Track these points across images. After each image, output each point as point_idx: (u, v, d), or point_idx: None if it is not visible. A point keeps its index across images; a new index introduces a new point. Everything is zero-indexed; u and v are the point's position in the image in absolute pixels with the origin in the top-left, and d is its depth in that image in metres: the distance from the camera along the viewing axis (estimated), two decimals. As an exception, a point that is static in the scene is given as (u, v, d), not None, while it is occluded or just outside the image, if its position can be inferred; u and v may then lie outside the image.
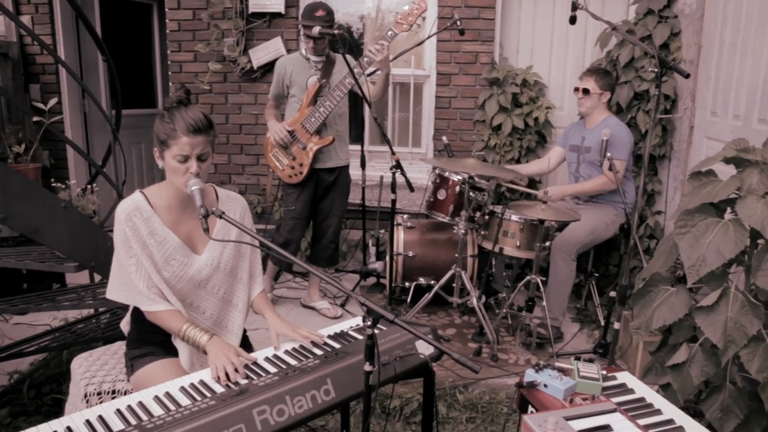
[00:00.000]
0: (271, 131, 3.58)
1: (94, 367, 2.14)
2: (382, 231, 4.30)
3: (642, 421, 1.49)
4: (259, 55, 4.58)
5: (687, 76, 2.12)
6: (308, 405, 1.65)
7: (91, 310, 3.26)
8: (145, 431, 1.42)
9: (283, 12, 4.48)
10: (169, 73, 4.85)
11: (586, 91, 3.57)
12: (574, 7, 2.73)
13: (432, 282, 3.68)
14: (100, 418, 1.53)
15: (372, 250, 4.28)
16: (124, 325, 2.10)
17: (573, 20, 2.79)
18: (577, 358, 1.73)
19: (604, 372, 1.70)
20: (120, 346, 2.23)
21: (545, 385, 1.60)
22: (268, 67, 4.53)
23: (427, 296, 3.50)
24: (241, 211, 2.06)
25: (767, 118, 2.89)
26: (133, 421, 1.51)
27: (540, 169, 3.94)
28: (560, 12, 4.39)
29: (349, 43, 3.38)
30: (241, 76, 4.66)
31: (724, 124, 3.36)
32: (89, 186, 2.87)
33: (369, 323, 1.56)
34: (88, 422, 1.51)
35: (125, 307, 2.21)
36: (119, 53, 5.10)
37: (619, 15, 4.33)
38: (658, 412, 1.60)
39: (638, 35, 3.94)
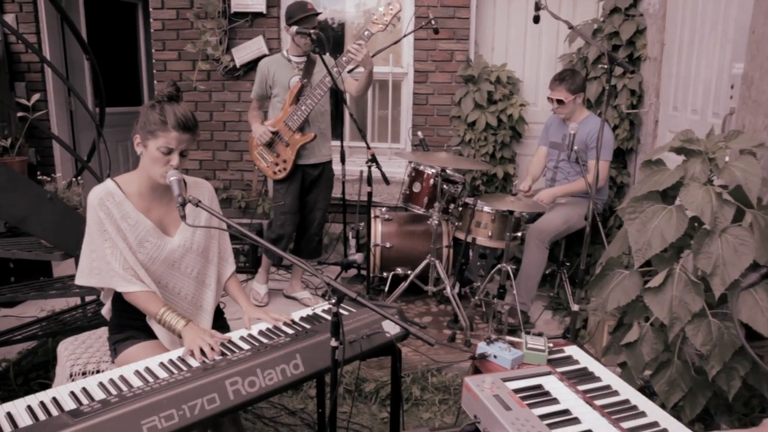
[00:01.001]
0: (255, 134, 3.71)
1: (79, 349, 2.26)
2: (362, 224, 4.44)
3: (581, 387, 1.63)
4: (242, 54, 4.71)
5: (632, 72, 2.27)
6: (278, 377, 1.78)
7: (78, 301, 3.38)
8: (125, 399, 1.55)
9: (264, 12, 4.61)
10: (154, 71, 4.96)
11: (560, 101, 3.67)
12: (537, 7, 2.88)
13: (409, 272, 3.82)
14: (84, 389, 1.66)
15: (352, 242, 4.41)
16: (106, 312, 2.21)
17: (536, 20, 2.94)
18: (527, 333, 1.87)
19: (551, 345, 1.85)
20: (104, 331, 2.34)
21: (495, 356, 1.75)
22: (251, 66, 4.66)
23: (403, 285, 3.65)
24: (209, 196, 2.19)
25: (720, 112, 3.05)
26: (114, 392, 1.64)
27: (540, 171, 4.03)
28: (533, 10, 4.53)
29: (324, 42, 3.51)
30: (225, 75, 4.78)
31: (684, 118, 3.53)
32: (75, 179, 2.99)
33: (333, 301, 1.70)
34: (73, 393, 1.64)
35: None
36: (105, 52, 5.22)
37: (590, 13, 4.48)
38: (597, 379, 1.74)
39: (606, 32, 4.11)
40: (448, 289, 3.54)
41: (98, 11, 5.45)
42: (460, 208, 3.82)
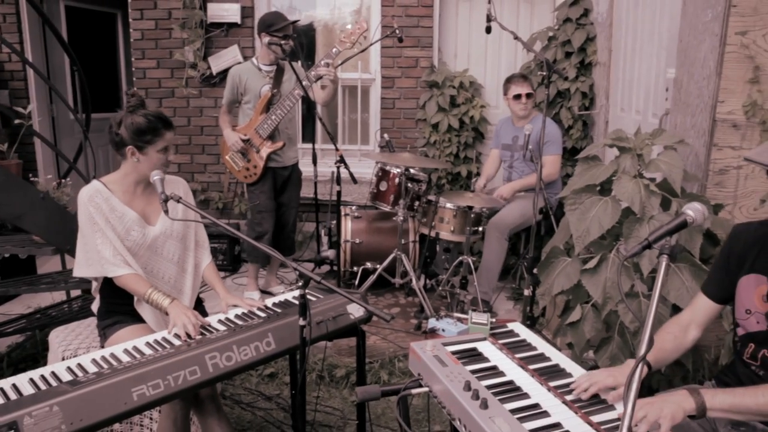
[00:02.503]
0: (227, 141, 3.92)
1: (69, 336, 2.47)
2: (334, 222, 4.67)
3: (517, 354, 1.87)
4: (218, 62, 4.93)
5: (565, 78, 2.54)
6: (252, 353, 2.01)
7: (63, 297, 3.57)
8: (116, 371, 1.76)
9: (239, 22, 4.85)
10: (134, 78, 5.15)
11: (529, 95, 3.94)
12: (488, 18, 3.14)
13: (377, 266, 4.06)
14: (79, 365, 1.88)
15: (325, 239, 4.65)
16: (95, 307, 2.42)
17: (488, 30, 3.20)
18: (474, 310, 2.12)
19: (494, 320, 2.09)
20: (92, 321, 2.54)
21: (443, 330, 1.99)
22: (227, 73, 4.86)
23: (372, 277, 3.89)
24: (184, 191, 2.44)
25: (658, 113, 3.34)
26: (105, 366, 1.86)
27: (494, 171, 4.32)
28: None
29: (297, 53, 3.75)
30: (202, 82, 4.99)
31: (630, 118, 3.83)
32: (62, 180, 3.20)
33: (300, 284, 1.94)
34: (69, 368, 1.86)
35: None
36: (86, 60, 5.37)
37: (546, 21, 4.77)
38: (534, 348, 1.97)
39: (560, 39, 4.40)
40: (414, 282, 3.79)
41: (79, 21, 5.62)
42: (425, 205, 4.07)
